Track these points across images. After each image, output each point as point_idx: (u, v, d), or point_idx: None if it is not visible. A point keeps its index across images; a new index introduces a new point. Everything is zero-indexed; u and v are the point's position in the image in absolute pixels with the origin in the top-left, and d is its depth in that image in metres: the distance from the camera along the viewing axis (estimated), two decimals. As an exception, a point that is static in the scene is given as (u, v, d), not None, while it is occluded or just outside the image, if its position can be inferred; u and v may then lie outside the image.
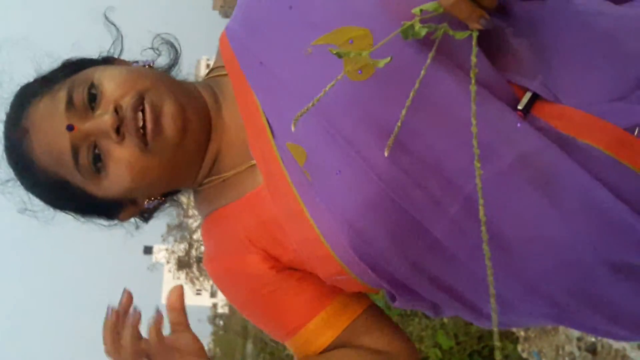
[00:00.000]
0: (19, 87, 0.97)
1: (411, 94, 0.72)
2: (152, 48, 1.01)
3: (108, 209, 0.97)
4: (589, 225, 0.75)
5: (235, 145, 0.93)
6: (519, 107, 0.79)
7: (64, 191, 0.93)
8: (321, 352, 0.95)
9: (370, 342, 0.96)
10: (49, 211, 0.99)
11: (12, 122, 0.93)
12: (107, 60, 0.99)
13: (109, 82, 0.88)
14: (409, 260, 0.83)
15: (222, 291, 1.01)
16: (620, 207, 0.74)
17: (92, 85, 0.88)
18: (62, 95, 0.88)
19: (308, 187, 0.84)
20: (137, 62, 0.99)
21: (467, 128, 0.71)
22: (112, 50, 1.01)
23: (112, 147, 0.87)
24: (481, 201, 0.67)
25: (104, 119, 0.86)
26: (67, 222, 1.00)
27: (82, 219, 1.00)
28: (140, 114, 0.86)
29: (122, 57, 1.01)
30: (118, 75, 0.89)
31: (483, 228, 0.66)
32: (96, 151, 0.88)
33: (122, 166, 0.87)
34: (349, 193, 0.80)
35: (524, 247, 0.78)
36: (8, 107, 0.96)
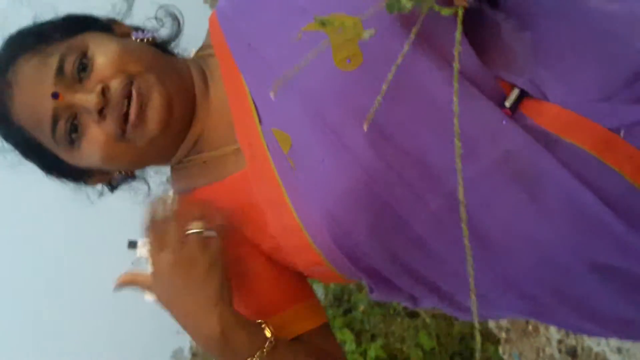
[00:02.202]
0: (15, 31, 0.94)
1: (389, 77, 0.72)
2: (155, 18, 1.01)
3: (76, 173, 0.97)
4: (570, 224, 0.75)
5: (219, 127, 0.93)
6: (506, 104, 0.79)
7: (36, 150, 0.93)
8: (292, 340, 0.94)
9: (329, 348, 0.97)
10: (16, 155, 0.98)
11: None
12: (108, 25, 0.97)
13: (102, 58, 0.87)
14: (388, 252, 0.82)
15: None
16: (602, 208, 0.74)
17: (84, 55, 0.87)
18: (53, 60, 0.86)
19: (291, 174, 0.83)
20: (137, 30, 0.98)
21: (451, 122, 0.70)
22: (117, 11, 1.00)
23: (90, 124, 0.87)
24: (462, 198, 0.67)
25: (89, 97, 0.85)
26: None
27: (48, 176, 0.99)
28: (126, 100, 0.86)
29: (126, 21, 1.00)
30: (112, 52, 0.88)
31: (464, 225, 0.66)
32: (74, 122, 0.87)
33: (94, 146, 0.87)
34: (332, 182, 0.79)
35: (505, 244, 0.77)
36: None
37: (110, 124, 0.86)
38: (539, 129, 0.78)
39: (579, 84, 0.79)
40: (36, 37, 0.90)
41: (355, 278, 0.90)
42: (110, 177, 0.99)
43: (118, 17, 1.00)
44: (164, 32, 1.01)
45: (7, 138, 0.95)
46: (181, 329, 0.88)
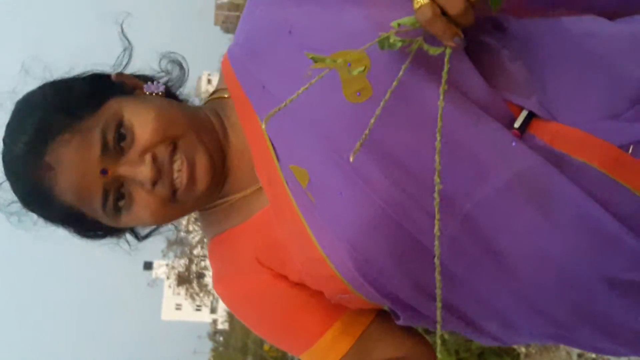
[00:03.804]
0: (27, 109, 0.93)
1: (381, 104, 0.73)
2: (162, 70, 1.02)
3: (107, 232, 0.99)
4: (584, 241, 0.77)
5: (241, 168, 0.95)
6: (515, 126, 0.81)
7: (77, 221, 0.94)
8: None
9: (385, 348, 0.97)
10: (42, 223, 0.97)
11: (31, 155, 0.88)
12: (124, 87, 0.96)
13: (142, 127, 0.88)
14: (410, 278, 0.84)
15: (234, 311, 1.02)
16: (614, 224, 0.75)
17: (120, 125, 0.88)
18: (95, 136, 0.87)
19: (311, 208, 0.85)
20: (146, 80, 0.98)
21: (463, 148, 0.73)
22: (118, 62, 1.00)
23: (139, 193, 0.88)
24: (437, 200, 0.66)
25: (144, 170, 0.87)
26: (66, 240, 1.00)
27: (78, 237, 0.99)
28: (175, 164, 0.88)
29: (125, 69, 1.01)
30: (150, 119, 0.89)
31: (437, 223, 0.66)
32: (121, 190, 0.89)
33: (147, 210, 0.89)
34: (351, 214, 0.81)
35: (523, 264, 0.79)
36: (14, 122, 0.92)
37: (162, 190, 0.88)
38: (548, 148, 0.80)
39: (585, 104, 0.81)
40: (67, 116, 0.89)
41: (382, 304, 0.91)
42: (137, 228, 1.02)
43: (120, 68, 1.00)
44: (170, 80, 1.03)
45: (46, 217, 0.95)
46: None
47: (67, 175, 0.87)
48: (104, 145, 0.87)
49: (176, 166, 0.88)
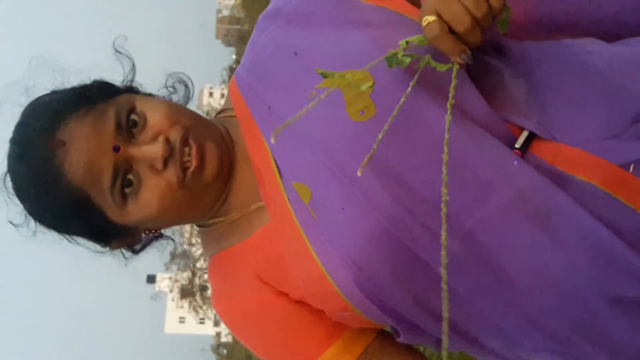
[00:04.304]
0: (35, 97, 0.94)
1: (389, 120, 0.74)
2: (166, 87, 1.04)
3: (107, 234, 0.97)
4: (587, 259, 0.77)
5: (243, 186, 0.96)
6: (517, 146, 0.82)
7: (80, 211, 0.90)
8: None
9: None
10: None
11: (42, 132, 0.89)
12: (132, 89, 1.00)
13: (155, 113, 0.90)
14: (412, 296, 0.84)
15: (232, 330, 1.01)
16: (616, 242, 0.76)
17: (133, 112, 0.90)
18: (110, 115, 0.88)
19: (313, 224, 0.86)
20: (153, 96, 1.01)
21: (465, 166, 0.74)
22: (124, 79, 1.02)
23: (149, 175, 0.88)
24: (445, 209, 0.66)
25: (155, 147, 0.87)
26: (70, 253, 0.99)
27: (70, 241, 0.98)
28: (186, 148, 0.89)
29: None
30: (161, 107, 0.91)
31: (443, 233, 0.66)
32: (128, 176, 0.89)
33: (155, 195, 0.88)
34: (353, 230, 0.82)
35: (525, 281, 0.79)
36: (26, 117, 0.93)
37: (173, 171, 0.88)
38: (550, 168, 0.81)
39: (585, 123, 0.83)
40: (81, 98, 0.91)
41: (383, 322, 0.91)
42: (136, 239, 1.00)
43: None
44: (175, 97, 1.05)
45: (48, 201, 0.92)
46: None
47: (79, 150, 0.87)
48: (118, 124, 0.88)
49: (187, 150, 0.89)
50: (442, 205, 0.69)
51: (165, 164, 0.88)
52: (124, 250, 1.02)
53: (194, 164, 0.88)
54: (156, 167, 0.88)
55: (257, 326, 0.97)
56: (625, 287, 0.77)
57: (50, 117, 0.89)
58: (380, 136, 0.73)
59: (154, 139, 0.88)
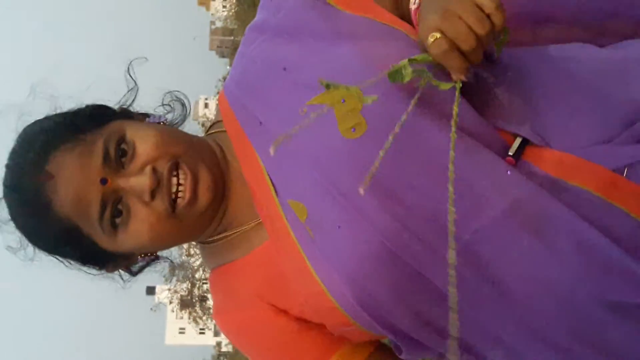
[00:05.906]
0: (28, 126, 0.94)
1: (390, 138, 0.74)
2: (163, 104, 1.03)
3: (102, 259, 0.97)
4: (582, 265, 0.77)
5: (241, 202, 0.96)
6: (510, 153, 0.82)
7: (70, 240, 0.91)
8: None
9: None
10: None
11: (32, 164, 0.89)
12: (126, 112, 0.99)
13: (143, 143, 0.89)
14: (412, 310, 0.84)
15: (234, 343, 1.02)
16: (611, 247, 0.76)
17: (122, 141, 0.89)
18: (99, 147, 0.88)
19: (311, 242, 0.86)
20: (148, 116, 1.00)
21: (460, 178, 0.74)
22: (123, 99, 1.02)
23: (137, 206, 0.88)
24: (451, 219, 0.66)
25: (142, 179, 0.87)
26: (66, 266, 0.99)
27: (67, 265, 0.98)
28: (174, 179, 0.88)
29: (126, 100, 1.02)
30: (151, 136, 0.90)
31: (450, 236, 0.66)
32: (118, 206, 0.89)
33: (144, 226, 0.88)
34: (350, 247, 0.82)
35: (522, 290, 0.79)
36: (19, 145, 0.93)
37: (160, 203, 0.88)
38: (543, 174, 0.81)
39: (577, 129, 0.83)
40: (70, 128, 0.91)
41: (384, 336, 0.91)
42: (133, 262, 1.00)
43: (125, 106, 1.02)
44: (170, 116, 1.04)
45: (39, 232, 0.93)
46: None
47: (67, 183, 0.87)
48: (106, 156, 0.88)
49: (178, 180, 0.88)
50: (450, 225, 0.69)
51: (153, 195, 0.87)
52: (122, 272, 1.02)
53: (187, 196, 0.88)
54: (144, 199, 0.87)
55: (256, 342, 0.98)
56: (623, 292, 0.78)
57: (39, 148, 0.89)
58: (381, 153, 0.73)
59: (142, 169, 0.88)
